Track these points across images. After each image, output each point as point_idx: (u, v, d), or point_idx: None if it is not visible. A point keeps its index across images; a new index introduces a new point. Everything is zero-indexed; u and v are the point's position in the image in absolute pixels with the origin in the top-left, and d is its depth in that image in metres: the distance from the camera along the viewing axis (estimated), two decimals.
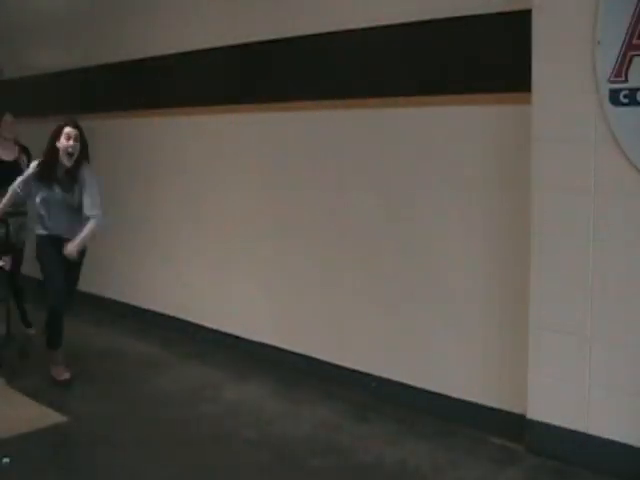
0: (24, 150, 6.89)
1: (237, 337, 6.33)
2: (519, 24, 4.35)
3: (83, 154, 5.49)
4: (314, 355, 5.73)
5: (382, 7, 5.11)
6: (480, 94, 4.67)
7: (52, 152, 5.43)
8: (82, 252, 5.49)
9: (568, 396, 4.24)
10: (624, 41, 3.91)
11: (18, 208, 6.32)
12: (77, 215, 5.43)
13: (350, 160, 5.45)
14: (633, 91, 3.91)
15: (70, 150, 5.38)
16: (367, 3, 5.25)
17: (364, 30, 5.23)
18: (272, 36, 5.84)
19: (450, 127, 4.85)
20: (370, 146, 5.32)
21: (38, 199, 5.56)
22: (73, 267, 5.56)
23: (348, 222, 5.47)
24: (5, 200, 5.70)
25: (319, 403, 5.28)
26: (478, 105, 4.69)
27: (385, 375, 5.29)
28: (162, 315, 7.09)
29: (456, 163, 4.84)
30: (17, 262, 6.61)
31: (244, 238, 6.28)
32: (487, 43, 4.64)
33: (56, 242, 5.47)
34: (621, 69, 3.94)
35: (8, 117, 6.85)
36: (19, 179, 5.66)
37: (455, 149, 4.84)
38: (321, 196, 5.65)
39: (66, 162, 5.40)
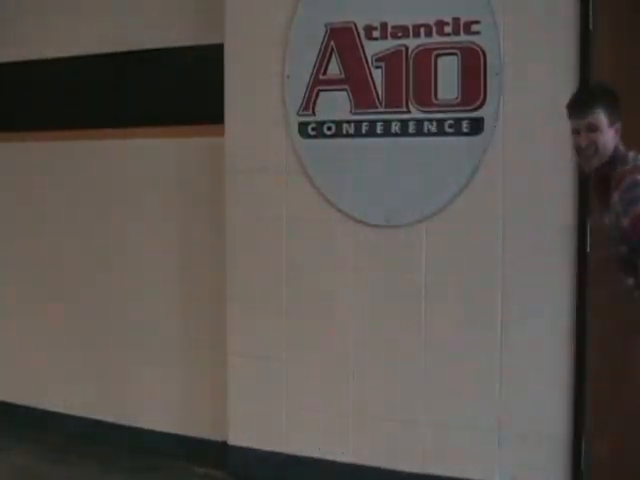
0: None
1: None
2: (214, 57, 4.42)
3: None
4: (7, 399, 5.39)
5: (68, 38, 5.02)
6: (175, 126, 4.71)
7: None
8: None
9: (266, 418, 4.34)
10: (311, 76, 4.13)
11: None
12: None
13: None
14: (320, 124, 4.14)
15: None
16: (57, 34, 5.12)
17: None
18: None
19: (144, 160, 4.84)
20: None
21: None
22: None
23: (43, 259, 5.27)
24: None
25: (13, 449, 4.97)
26: (173, 138, 4.72)
27: (83, 414, 5.08)
28: None
29: (150, 196, 4.84)
30: None
31: None
32: (182, 76, 4.69)
33: None
34: (309, 103, 4.16)
35: None
36: None
37: (149, 183, 4.84)
38: None
39: None
